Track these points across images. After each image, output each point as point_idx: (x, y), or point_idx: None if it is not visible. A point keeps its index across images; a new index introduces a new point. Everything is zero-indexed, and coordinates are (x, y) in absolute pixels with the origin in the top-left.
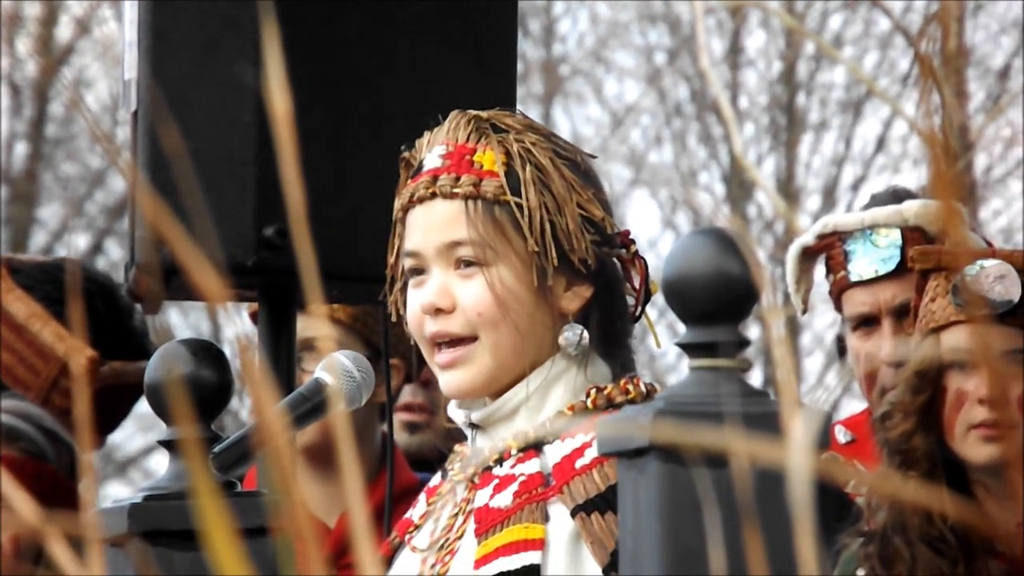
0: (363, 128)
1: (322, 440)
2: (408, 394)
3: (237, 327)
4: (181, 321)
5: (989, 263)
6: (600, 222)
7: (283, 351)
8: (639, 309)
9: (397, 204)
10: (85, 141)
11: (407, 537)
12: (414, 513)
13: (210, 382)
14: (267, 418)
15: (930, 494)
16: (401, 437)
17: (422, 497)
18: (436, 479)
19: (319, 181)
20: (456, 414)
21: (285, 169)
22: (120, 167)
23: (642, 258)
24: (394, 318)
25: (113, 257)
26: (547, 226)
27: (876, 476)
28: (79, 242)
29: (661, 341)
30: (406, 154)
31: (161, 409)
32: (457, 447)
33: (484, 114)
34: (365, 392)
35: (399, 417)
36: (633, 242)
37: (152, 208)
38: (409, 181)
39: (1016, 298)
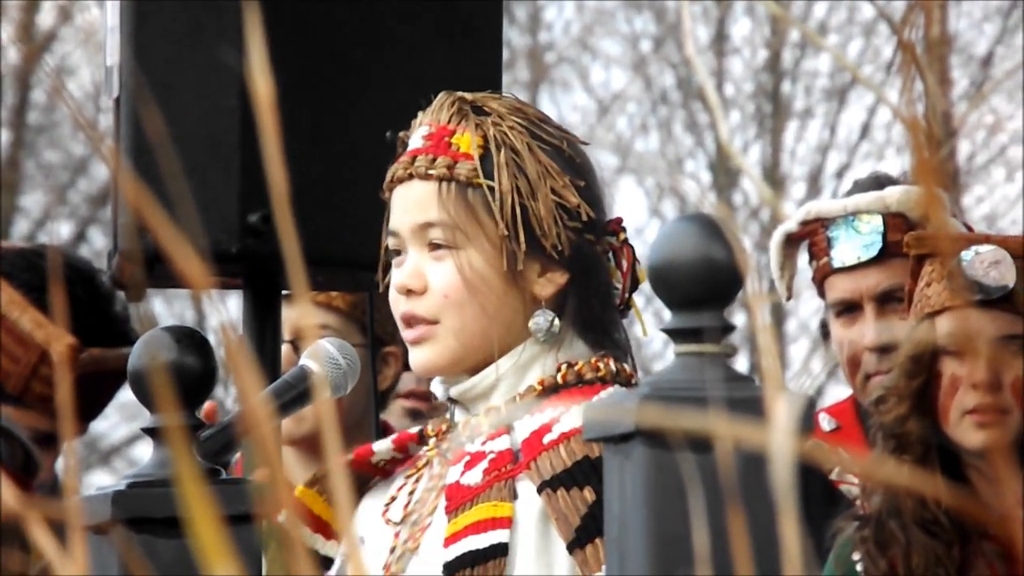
0: (348, 113)
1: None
2: (411, 382)
3: (221, 314)
4: (165, 309)
5: (984, 248)
6: (575, 208)
7: (268, 338)
8: (626, 296)
9: (385, 184)
10: (68, 129)
11: (383, 510)
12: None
13: (194, 369)
14: (252, 405)
15: (924, 478)
16: (402, 424)
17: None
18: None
19: (303, 167)
20: (437, 388)
21: (268, 154)
22: (103, 154)
23: (630, 246)
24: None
25: (96, 245)
26: (517, 210)
27: (870, 460)
28: (62, 230)
29: (648, 329)
30: (402, 134)
31: (144, 396)
32: (432, 421)
33: (469, 96)
34: (351, 379)
35: (402, 404)
36: (623, 230)
37: (135, 195)
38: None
39: (1011, 283)
